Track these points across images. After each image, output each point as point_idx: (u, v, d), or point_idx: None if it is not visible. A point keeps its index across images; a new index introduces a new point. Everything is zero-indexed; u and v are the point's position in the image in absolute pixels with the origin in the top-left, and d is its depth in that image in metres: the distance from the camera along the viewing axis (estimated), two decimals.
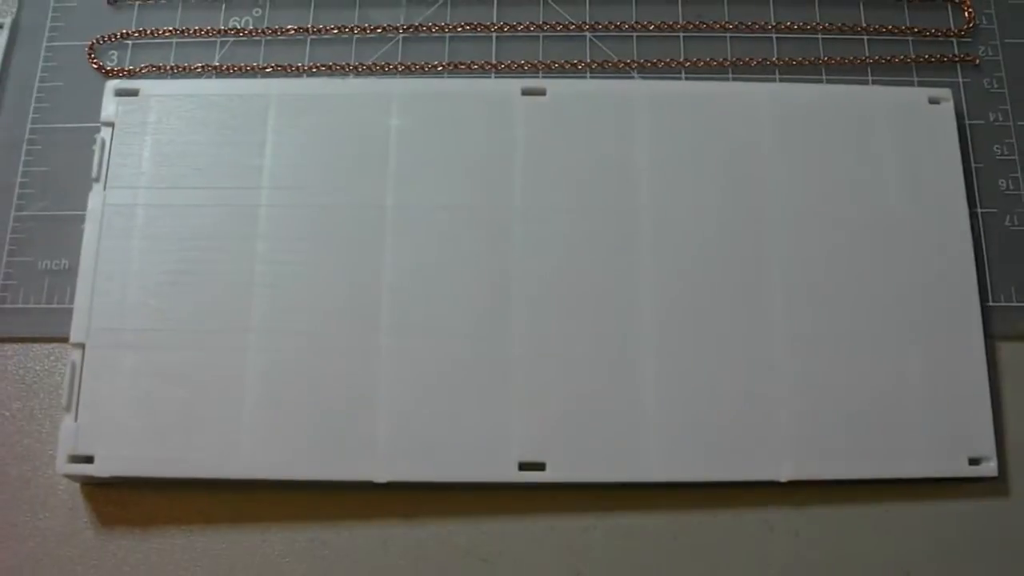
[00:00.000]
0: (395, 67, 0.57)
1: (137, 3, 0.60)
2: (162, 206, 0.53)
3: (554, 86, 0.55)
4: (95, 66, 0.58)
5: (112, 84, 0.55)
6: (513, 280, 0.52)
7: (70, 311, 0.52)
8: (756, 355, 0.51)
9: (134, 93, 0.55)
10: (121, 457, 0.49)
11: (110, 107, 0.55)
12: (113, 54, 0.58)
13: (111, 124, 0.54)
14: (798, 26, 0.58)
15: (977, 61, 0.57)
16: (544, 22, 0.58)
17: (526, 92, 0.55)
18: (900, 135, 0.54)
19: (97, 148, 0.54)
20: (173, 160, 0.54)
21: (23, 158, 0.57)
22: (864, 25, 0.58)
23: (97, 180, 0.53)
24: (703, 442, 0.50)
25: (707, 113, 0.54)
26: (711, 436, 0.50)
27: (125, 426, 0.50)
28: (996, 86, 0.57)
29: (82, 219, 0.53)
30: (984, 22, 0.59)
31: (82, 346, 0.51)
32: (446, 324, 0.51)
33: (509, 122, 0.54)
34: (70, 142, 0.57)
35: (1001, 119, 0.56)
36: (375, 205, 0.53)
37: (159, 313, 0.52)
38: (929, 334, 0.51)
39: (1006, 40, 0.58)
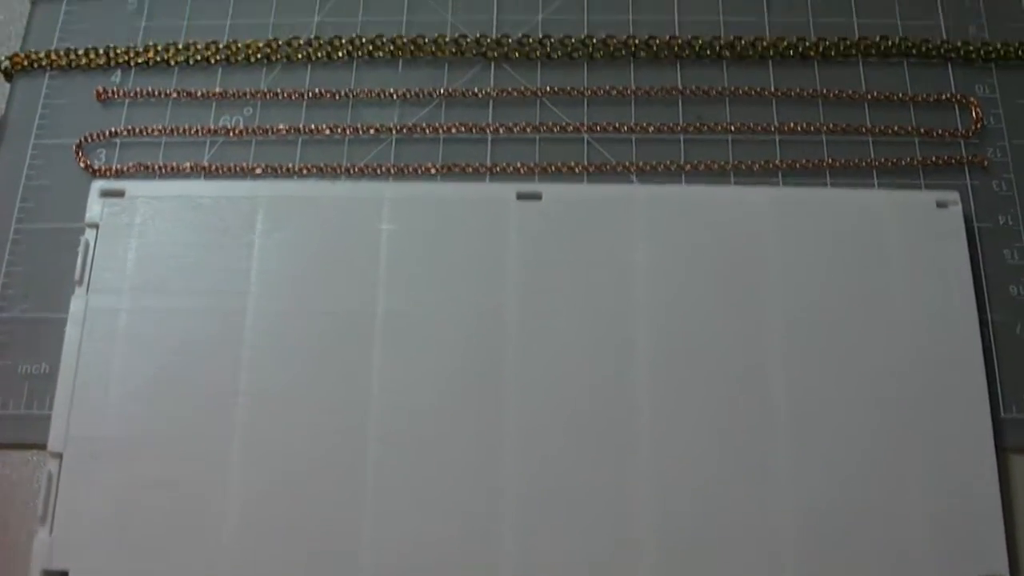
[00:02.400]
0: (387, 169, 0.58)
1: (127, 100, 0.61)
2: (146, 311, 0.54)
3: (550, 190, 0.56)
4: (82, 165, 0.59)
5: (97, 185, 0.56)
6: (507, 390, 0.52)
7: (48, 418, 0.52)
8: (758, 468, 0.51)
9: (120, 194, 0.56)
10: (96, 571, 0.50)
11: (95, 208, 0.56)
12: (101, 152, 0.60)
13: (96, 226, 0.56)
14: (801, 127, 0.59)
15: (985, 163, 0.58)
16: (541, 123, 0.59)
17: (521, 196, 0.56)
18: (907, 240, 0.55)
19: (81, 250, 0.55)
20: (158, 263, 0.55)
21: (6, 258, 0.58)
22: (869, 126, 0.59)
23: (80, 283, 0.54)
24: (702, 559, 0.49)
25: (708, 219, 0.55)
26: (710, 553, 0.50)
27: (102, 539, 0.50)
28: (1005, 188, 0.58)
29: (65, 322, 0.54)
30: (992, 122, 0.60)
31: (59, 455, 0.52)
32: (437, 437, 0.52)
33: (504, 227, 0.55)
34: (55, 242, 0.58)
35: (1011, 222, 0.57)
36: (365, 313, 0.54)
37: (140, 422, 0.52)
38: (938, 446, 0.52)
39: (1015, 141, 0.59)
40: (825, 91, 0.60)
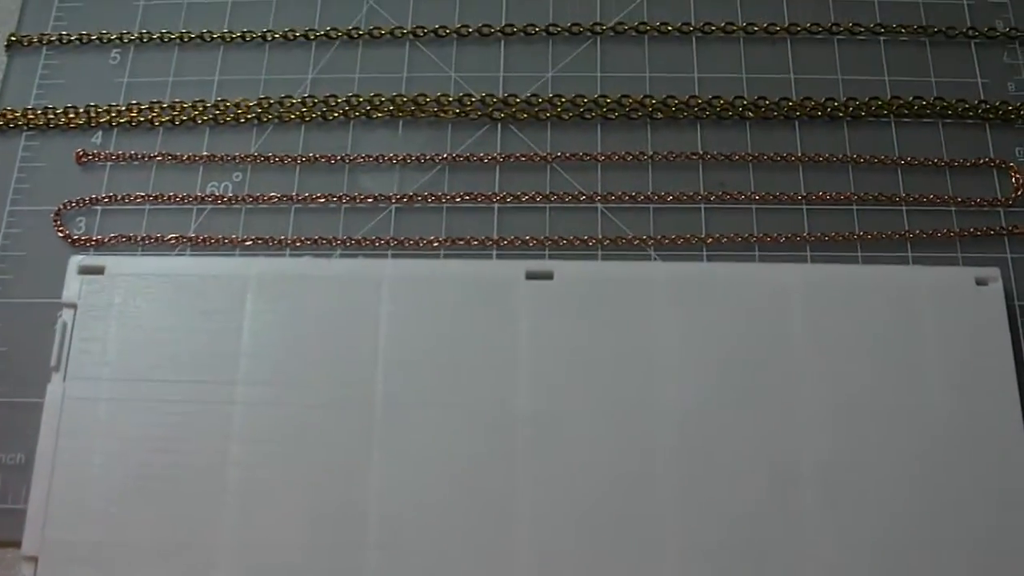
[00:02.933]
0: (387, 242, 0.54)
1: (108, 163, 0.57)
2: (127, 400, 0.51)
3: (562, 269, 0.52)
4: (61, 234, 0.56)
5: (75, 261, 0.53)
6: (518, 488, 0.49)
7: (24, 513, 0.49)
8: (790, 560, 0.48)
9: (99, 271, 0.53)
10: None
11: (73, 286, 0.53)
12: (81, 221, 0.56)
13: (74, 305, 0.52)
14: (831, 196, 0.55)
15: None
16: (551, 192, 0.55)
17: (531, 276, 0.52)
18: (944, 321, 0.52)
19: (58, 333, 0.51)
20: (140, 348, 0.51)
21: None
22: (903, 195, 0.55)
23: (56, 369, 0.51)
24: None
25: (733, 300, 0.52)
26: None
27: None
28: None
29: (41, 407, 0.51)
30: None
31: (34, 559, 0.48)
32: (441, 540, 0.48)
33: (512, 310, 0.51)
34: (31, 319, 0.54)
35: None
36: (363, 403, 0.50)
37: (121, 525, 0.49)
38: (979, 539, 0.48)
39: None
40: (856, 156, 0.57)
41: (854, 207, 0.56)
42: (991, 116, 0.58)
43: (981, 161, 0.57)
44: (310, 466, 0.49)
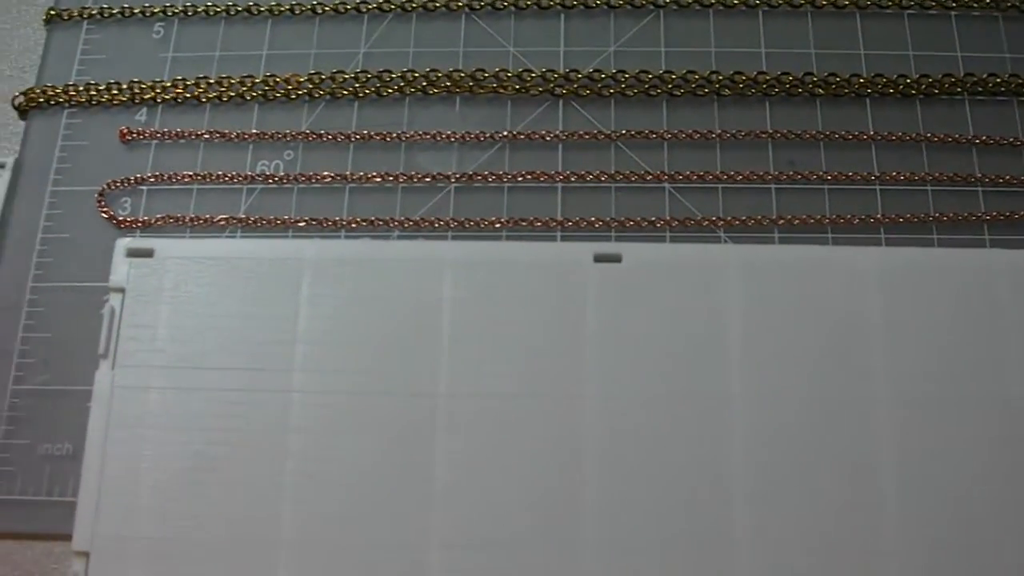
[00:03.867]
0: (446, 223, 0.52)
1: (153, 142, 0.55)
2: (180, 390, 0.49)
3: (630, 251, 0.50)
4: (105, 215, 0.53)
5: (123, 243, 0.50)
6: (589, 478, 0.47)
7: (72, 505, 0.47)
8: (867, 553, 0.46)
9: (148, 254, 0.50)
10: None
11: (121, 270, 0.50)
12: (126, 201, 0.54)
13: (121, 290, 0.50)
14: (904, 176, 0.53)
15: None
16: (616, 171, 0.53)
17: (599, 258, 0.50)
18: (1022, 306, 0.49)
19: (105, 318, 0.49)
20: (192, 334, 0.49)
21: (23, 322, 0.53)
22: (978, 175, 0.53)
23: (105, 357, 0.49)
24: None
25: (806, 284, 0.50)
26: None
27: None
28: None
29: (89, 395, 0.48)
30: None
31: (86, 555, 0.47)
32: (508, 537, 0.46)
33: (580, 294, 0.49)
34: (77, 304, 0.52)
35: None
36: (425, 394, 0.48)
37: (175, 520, 0.47)
38: None
39: None
40: (929, 134, 0.54)
41: (928, 187, 0.54)
42: None
43: None
44: (372, 458, 0.47)
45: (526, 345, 0.49)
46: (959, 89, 0.55)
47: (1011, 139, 0.55)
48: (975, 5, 0.57)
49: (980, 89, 0.55)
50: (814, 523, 0.47)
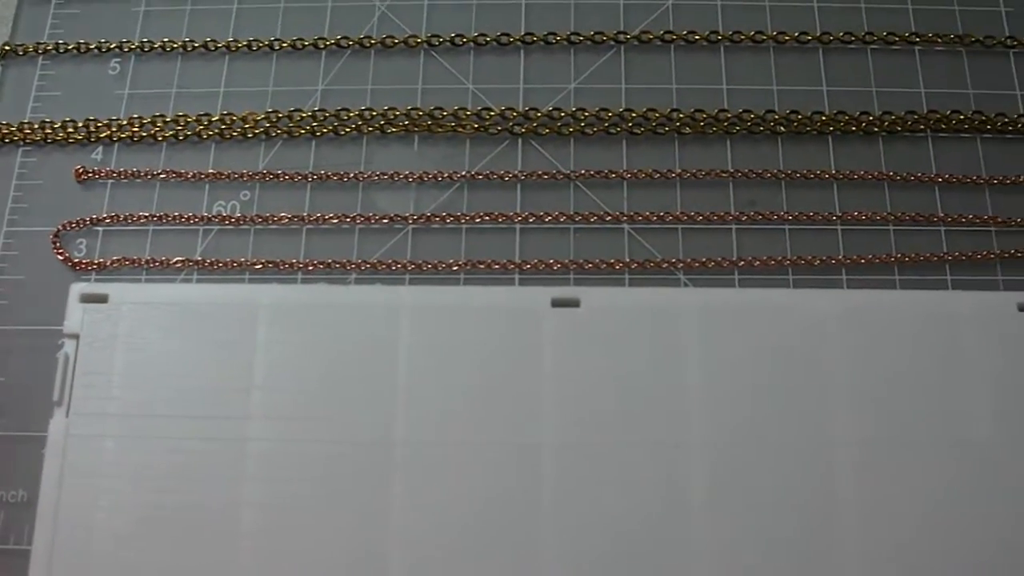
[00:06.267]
0: (403, 265, 0.53)
1: (109, 181, 0.55)
2: (135, 438, 0.49)
3: (589, 295, 0.51)
4: (61, 257, 0.54)
5: (77, 288, 0.51)
6: (544, 529, 0.48)
7: (27, 553, 0.48)
8: None
9: (103, 299, 0.51)
10: None
11: (75, 316, 0.51)
12: (82, 243, 0.54)
13: (76, 336, 0.50)
14: (866, 216, 0.54)
15: None
16: (575, 212, 0.54)
17: (557, 303, 0.50)
18: (985, 348, 0.50)
19: (60, 365, 0.50)
20: (148, 381, 0.50)
21: None
22: (940, 215, 0.54)
23: (59, 404, 0.49)
24: None
25: (765, 326, 0.50)
26: None
27: None
28: None
29: (43, 441, 0.49)
30: None
31: None
32: None
33: (538, 340, 0.50)
34: (32, 348, 0.53)
35: None
36: (382, 441, 0.49)
37: (131, 569, 0.47)
38: None
39: None
40: (892, 172, 0.55)
41: (891, 227, 0.55)
42: None
43: (1021, 178, 0.55)
44: (327, 506, 0.48)
45: (483, 391, 0.49)
46: (922, 126, 0.56)
47: (974, 177, 0.55)
48: (939, 40, 0.58)
49: (943, 126, 0.56)
50: (775, 569, 0.47)
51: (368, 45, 0.58)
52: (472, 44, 0.58)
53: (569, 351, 0.50)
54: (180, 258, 0.54)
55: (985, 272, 0.54)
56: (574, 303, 0.51)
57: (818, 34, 0.58)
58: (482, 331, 0.50)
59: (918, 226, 0.55)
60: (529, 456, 0.48)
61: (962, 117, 0.56)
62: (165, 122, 0.56)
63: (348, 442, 0.49)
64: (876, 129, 0.56)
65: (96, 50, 0.59)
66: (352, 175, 0.55)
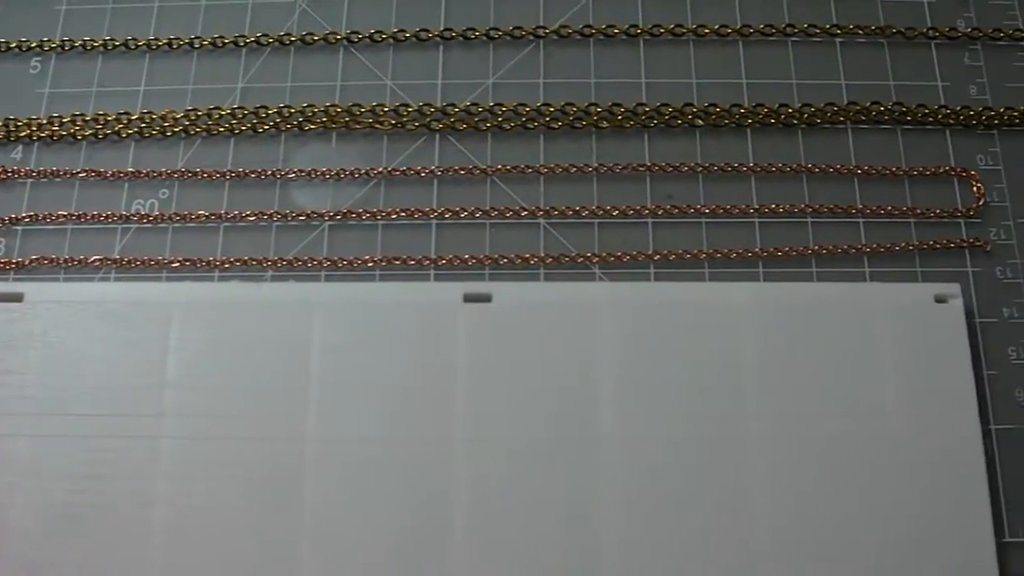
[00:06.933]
0: (320, 262, 0.53)
1: (29, 180, 0.56)
2: (49, 437, 0.50)
3: (501, 290, 0.51)
4: None
5: None
6: (454, 524, 0.48)
7: None
8: None
9: (18, 299, 0.52)
10: None
11: None
12: (0, 243, 0.54)
13: None
14: (784, 209, 0.54)
15: (988, 247, 0.54)
16: (492, 207, 0.54)
17: (469, 298, 0.51)
18: (901, 341, 0.51)
19: None
20: (62, 381, 0.50)
21: None
22: (859, 207, 0.54)
23: None
24: None
25: (681, 321, 0.51)
26: None
27: None
28: (1010, 275, 0.54)
29: None
30: (995, 198, 0.55)
31: None
32: None
33: (450, 335, 0.51)
34: None
35: (1017, 314, 0.53)
36: (294, 437, 0.49)
37: (43, 568, 0.48)
38: (940, 567, 0.48)
39: (1020, 220, 0.55)
40: (810, 165, 0.55)
41: (808, 219, 0.55)
42: (952, 122, 0.57)
43: (941, 170, 0.56)
44: (239, 503, 0.49)
45: (396, 387, 0.50)
46: (842, 118, 0.57)
47: (893, 169, 0.56)
48: (860, 32, 0.58)
49: (864, 118, 0.57)
50: (685, 562, 0.48)
51: (288, 42, 0.58)
52: (392, 40, 0.58)
53: (481, 346, 0.50)
54: (98, 257, 0.54)
55: (904, 264, 0.54)
56: (486, 298, 0.51)
57: (738, 26, 0.58)
58: (394, 327, 0.51)
59: (836, 218, 0.55)
60: (441, 451, 0.49)
61: (882, 108, 0.57)
62: (85, 121, 0.57)
63: (260, 439, 0.49)
64: (795, 121, 0.57)
65: (17, 49, 0.59)
66: (270, 173, 0.56)
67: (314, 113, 0.57)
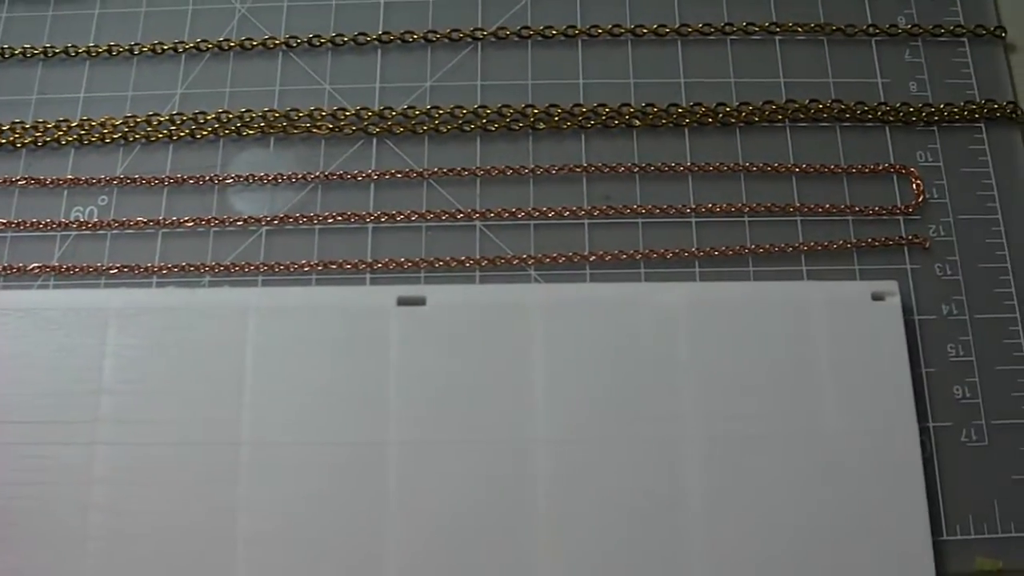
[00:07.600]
0: (257, 267, 0.54)
1: None
2: None
3: (435, 294, 0.52)
4: None
5: None
6: (386, 526, 0.49)
7: None
8: None
9: None
10: None
11: None
12: None
13: None
14: (721, 208, 0.55)
15: (927, 243, 0.54)
16: (428, 210, 0.55)
17: (403, 302, 0.52)
18: (838, 339, 0.52)
19: None
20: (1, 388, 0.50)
21: None
22: (797, 205, 0.55)
23: None
24: None
25: (615, 322, 0.52)
26: None
27: None
28: (949, 272, 0.54)
29: None
30: (935, 195, 0.56)
31: None
32: None
33: (384, 339, 0.51)
34: None
35: (955, 312, 0.53)
36: (229, 442, 0.50)
37: None
38: (876, 564, 0.48)
39: (960, 216, 0.55)
40: (748, 164, 0.56)
41: (746, 219, 0.55)
42: (891, 119, 0.57)
43: (881, 167, 0.56)
44: (174, 508, 0.49)
45: (330, 391, 0.51)
46: (780, 116, 0.57)
47: (832, 166, 0.56)
48: (800, 30, 0.59)
49: (802, 116, 0.57)
50: (619, 561, 0.48)
51: (227, 48, 0.59)
52: (330, 44, 0.59)
53: (414, 349, 0.51)
54: (37, 264, 0.55)
55: (843, 262, 0.55)
56: (420, 301, 0.52)
57: (677, 26, 0.59)
58: (328, 331, 0.51)
59: (774, 217, 0.55)
60: (373, 455, 0.50)
61: (821, 106, 0.57)
62: (24, 128, 0.58)
63: (196, 444, 0.50)
64: (733, 120, 0.57)
65: None
66: (208, 178, 0.56)
67: (252, 118, 0.57)
